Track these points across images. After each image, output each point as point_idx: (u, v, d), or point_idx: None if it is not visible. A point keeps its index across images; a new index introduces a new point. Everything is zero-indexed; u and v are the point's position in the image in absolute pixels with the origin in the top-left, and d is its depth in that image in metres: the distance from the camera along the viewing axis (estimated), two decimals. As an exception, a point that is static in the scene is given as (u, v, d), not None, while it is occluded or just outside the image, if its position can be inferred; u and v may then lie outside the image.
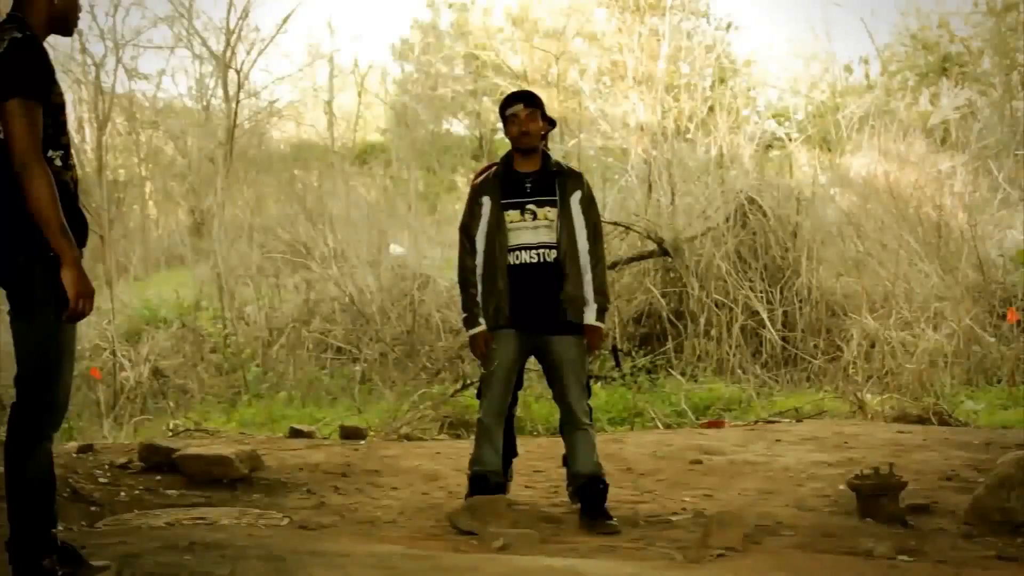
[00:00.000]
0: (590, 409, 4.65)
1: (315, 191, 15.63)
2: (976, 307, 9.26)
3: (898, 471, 4.71)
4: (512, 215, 4.52)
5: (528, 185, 4.56)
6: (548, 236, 4.51)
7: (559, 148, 14.68)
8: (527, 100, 4.62)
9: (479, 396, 4.70)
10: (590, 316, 4.52)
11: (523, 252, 4.51)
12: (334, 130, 21.97)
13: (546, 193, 4.54)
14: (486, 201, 4.55)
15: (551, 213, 4.51)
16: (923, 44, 20.06)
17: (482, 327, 4.53)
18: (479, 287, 4.55)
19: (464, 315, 4.63)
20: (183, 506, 4.80)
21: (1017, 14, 18.16)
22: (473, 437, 4.92)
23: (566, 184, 4.57)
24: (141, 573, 3.30)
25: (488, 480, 4.53)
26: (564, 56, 17.72)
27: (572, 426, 4.58)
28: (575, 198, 4.54)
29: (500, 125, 4.89)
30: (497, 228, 4.51)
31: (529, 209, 4.52)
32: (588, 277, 4.52)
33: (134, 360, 10.16)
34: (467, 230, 4.60)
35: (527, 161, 4.59)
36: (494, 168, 4.72)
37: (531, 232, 4.51)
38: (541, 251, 4.51)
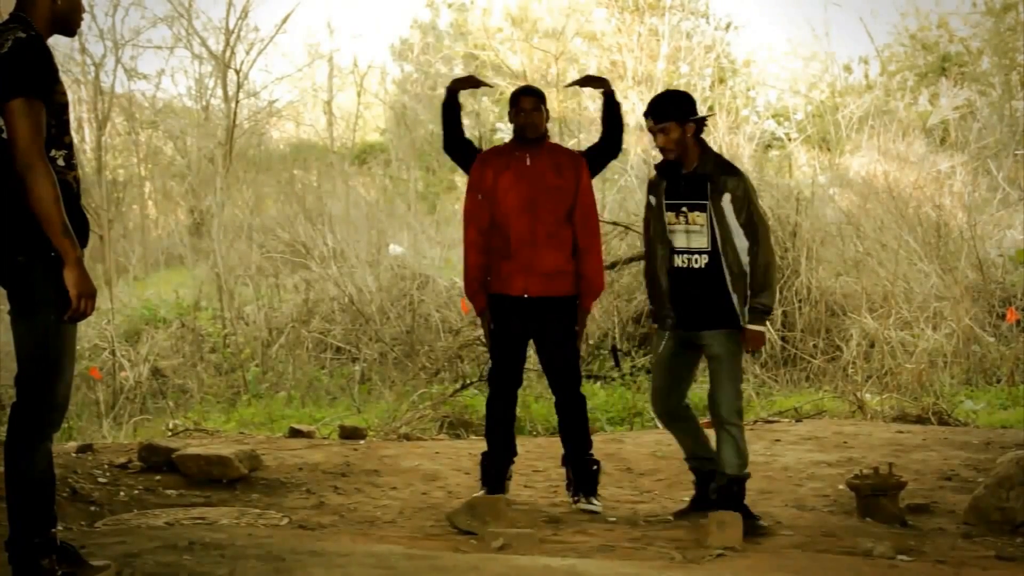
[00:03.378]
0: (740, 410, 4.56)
1: (314, 191, 15.66)
2: (975, 307, 9.26)
3: (897, 471, 4.73)
4: (668, 216, 4.46)
5: (682, 186, 4.44)
6: (699, 242, 4.41)
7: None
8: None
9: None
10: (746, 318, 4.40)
11: (676, 256, 4.46)
12: (333, 130, 21.99)
13: (698, 196, 4.40)
14: (652, 200, 4.52)
15: (700, 218, 4.39)
16: (922, 44, 20.06)
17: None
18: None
19: (652, 314, 4.69)
20: (182, 506, 4.80)
21: (1016, 14, 18.18)
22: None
23: (718, 184, 4.39)
24: (141, 573, 3.30)
25: None
26: (563, 56, 17.71)
27: (716, 424, 4.53)
28: (726, 200, 4.36)
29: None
30: (661, 230, 4.48)
31: (683, 211, 4.43)
32: (747, 280, 4.36)
33: (134, 360, 10.15)
34: (646, 228, 4.64)
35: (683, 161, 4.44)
36: (660, 165, 4.54)
37: (683, 236, 4.44)
38: (692, 256, 4.44)
